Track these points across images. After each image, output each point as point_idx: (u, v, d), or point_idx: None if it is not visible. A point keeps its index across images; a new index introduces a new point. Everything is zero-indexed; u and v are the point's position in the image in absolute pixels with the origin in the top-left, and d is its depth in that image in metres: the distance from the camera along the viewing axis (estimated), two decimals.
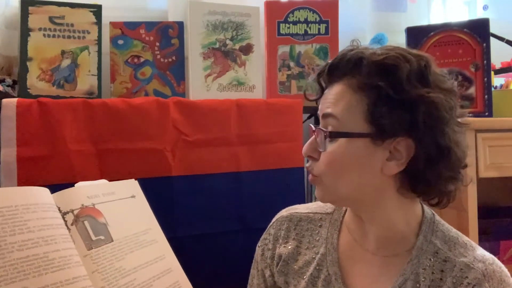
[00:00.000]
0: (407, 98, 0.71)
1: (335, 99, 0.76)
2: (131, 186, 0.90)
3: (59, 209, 0.71)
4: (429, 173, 0.74)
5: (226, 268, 1.24)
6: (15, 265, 0.59)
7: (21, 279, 0.59)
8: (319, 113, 0.80)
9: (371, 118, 0.73)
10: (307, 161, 0.81)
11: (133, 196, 0.88)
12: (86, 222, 0.73)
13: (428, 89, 0.73)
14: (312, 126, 0.80)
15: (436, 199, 0.78)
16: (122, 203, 0.85)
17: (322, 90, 0.82)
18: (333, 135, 0.75)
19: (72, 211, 0.72)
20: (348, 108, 0.75)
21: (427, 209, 0.84)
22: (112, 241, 0.76)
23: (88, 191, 0.78)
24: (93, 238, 0.73)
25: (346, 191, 0.77)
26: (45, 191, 0.70)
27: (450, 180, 0.76)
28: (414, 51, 0.77)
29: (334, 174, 0.76)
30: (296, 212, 0.92)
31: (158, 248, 0.84)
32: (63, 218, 0.70)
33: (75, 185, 0.81)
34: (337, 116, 0.75)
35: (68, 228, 0.70)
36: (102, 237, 0.74)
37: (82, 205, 0.75)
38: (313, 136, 0.79)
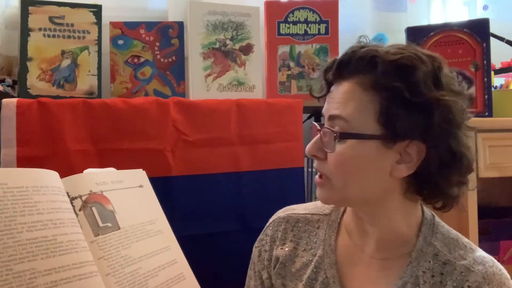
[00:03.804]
0: (423, 101, 0.69)
1: (344, 99, 0.73)
2: (139, 176, 0.90)
3: (67, 194, 0.71)
4: (439, 177, 0.73)
5: (226, 268, 1.24)
6: (24, 245, 0.59)
7: (30, 260, 0.59)
8: (325, 112, 0.77)
9: (384, 120, 0.71)
10: (310, 161, 0.80)
11: (140, 186, 0.88)
12: (94, 208, 0.73)
13: (442, 92, 0.71)
14: (317, 125, 0.77)
15: (441, 203, 0.77)
16: (130, 192, 0.85)
17: (328, 87, 0.78)
18: (343, 136, 0.72)
19: (80, 196, 0.73)
20: (359, 109, 0.72)
21: (427, 210, 0.82)
22: (119, 229, 0.76)
23: (97, 178, 0.78)
24: (101, 224, 0.73)
25: (354, 192, 0.75)
26: (55, 174, 0.70)
27: (458, 185, 0.75)
28: (425, 51, 0.75)
29: (344, 176, 0.74)
30: (294, 213, 0.90)
31: (164, 239, 0.84)
32: (71, 203, 0.70)
33: (84, 171, 0.81)
34: (347, 118, 0.72)
35: (76, 213, 0.70)
36: (109, 224, 0.74)
37: (91, 191, 0.75)
38: (318, 136, 0.76)
